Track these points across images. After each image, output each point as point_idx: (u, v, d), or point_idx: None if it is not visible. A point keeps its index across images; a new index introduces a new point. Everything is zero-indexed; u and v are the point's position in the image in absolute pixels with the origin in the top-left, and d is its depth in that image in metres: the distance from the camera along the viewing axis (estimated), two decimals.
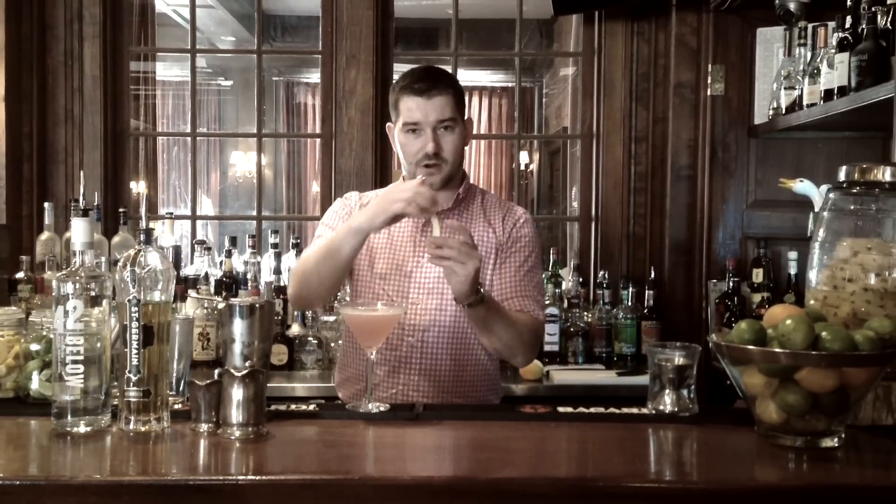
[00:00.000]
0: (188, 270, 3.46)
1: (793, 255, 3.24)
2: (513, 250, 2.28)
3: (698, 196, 3.51)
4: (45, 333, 1.82)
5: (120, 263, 1.61)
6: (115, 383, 1.65)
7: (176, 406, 1.73)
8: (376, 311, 1.96)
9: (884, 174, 1.68)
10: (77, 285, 1.59)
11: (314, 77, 7.55)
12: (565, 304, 3.47)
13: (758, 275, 3.30)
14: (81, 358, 1.59)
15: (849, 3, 2.61)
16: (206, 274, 3.40)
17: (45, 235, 3.31)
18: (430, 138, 2.21)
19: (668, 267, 3.56)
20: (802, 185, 2.86)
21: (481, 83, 8.27)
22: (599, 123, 3.67)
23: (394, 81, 2.35)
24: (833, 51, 2.66)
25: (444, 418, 1.77)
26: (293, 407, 1.82)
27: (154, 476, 1.41)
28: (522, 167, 7.53)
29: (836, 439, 1.53)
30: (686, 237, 3.55)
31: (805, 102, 2.87)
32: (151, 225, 1.74)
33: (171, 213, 3.76)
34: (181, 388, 1.79)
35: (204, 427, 1.61)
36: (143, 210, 1.76)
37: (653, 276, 3.50)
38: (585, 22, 3.72)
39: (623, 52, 3.61)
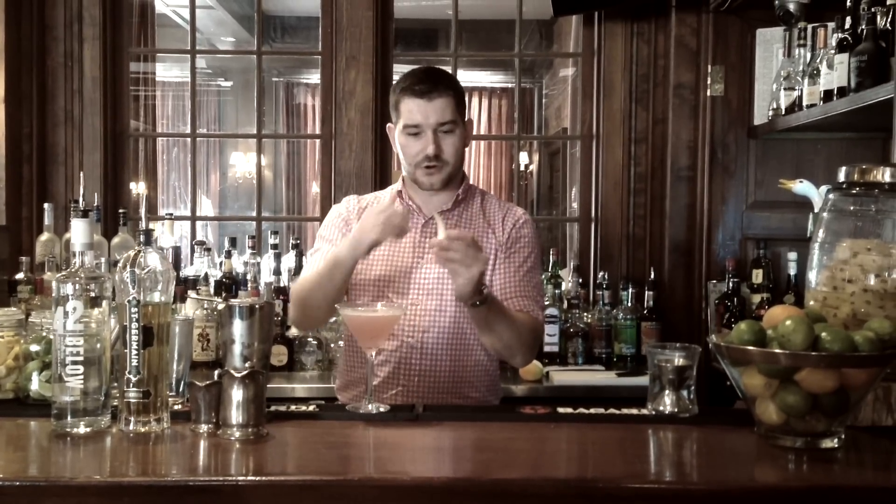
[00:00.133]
0: (188, 271, 3.46)
1: (792, 255, 3.24)
2: (512, 251, 2.28)
3: (698, 197, 3.51)
4: (44, 334, 1.82)
5: (120, 264, 1.61)
6: (115, 384, 1.65)
7: (176, 407, 1.73)
8: (376, 312, 1.96)
9: (883, 175, 1.68)
10: (77, 286, 1.59)
11: (314, 78, 7.55)
12: (565, 305, 3.47)
13: (757, 275, 3.30)
14: (81, 359, 1.59)
15: (848, 3, 2.61)
16: (206, 275, 3.40)
17: (44, 236, 3.31)
18: (430, 140, 2.21)
19: (667, 268, 3.56)
20: (802, 186, 2.86)
21: (481, 84, 8.27)
22: (599, 124, 3.67)
23: (394, 82, 2.35)
24: (833, 51, 2.66)
25: (443, 419, 1.77)
26: (293, 408, 1.82)
27: (154, 477, 1.41)
28: (522, 168, 7.54)
29: (835, 440, 1.53)
30: (686, 238, 3.55)
31: (805, 103, 2.87)
32: (151, 226, 1.74)
33: (171, 214, 3.76)
34: (181, 389, 1.79)
35: (204, 428, 1.61)
36: (142, 211, 1.76)
37: (652, 276, 3.50)
38: (585, 23, 3.72)
39: (623, 53, 3.61)
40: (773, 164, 3.42)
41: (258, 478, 1.41)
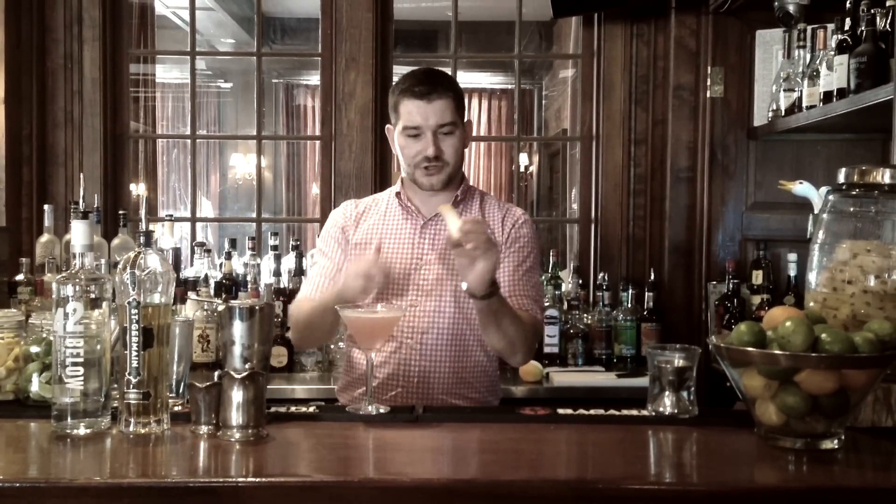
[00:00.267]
0: (188, 272, 3.46)
1: (792, 256, 3.24)
2: (511, 250, 2.28)
3: (698, 198, 3.52)
4: (44, 336, 1.82)
5: (120, 266, 1.62)
6: (115, 385, 1.65)
7: (176, 408, 1.74)
8: (376, 313, 1.96)
9: (883, 176, 1.69)
10: (77, 287, 1.59)
11: (314, 79, 7.55)
12: (565, 306, 3.47)
13: (757, 277, 3.30)
14: (81, 360, 1.59)
15: (848, 5, 2.61)
16: (206, 276, 3.40)
17: (44, 238, 3.31)
18: (430, 142, 2.22)
19: (667, 269, 3.56)
20: (802, 187, 2.86)
21: (481, 85, 8.28)
22: (599, 125, 3.67)
23: (393, 84, 2.35)
24: (832, 53, 2.66)
25: (443, 420, 1.77)
26: (293, 409, 1.82)
27: (154, 478, 1.41)
28: (522, 169, 7.54)
29: (835, 441, 1.53)
30: (686, 239, 3.55)
31: (804, 104, 2.88)
32: (151, 227, 1.74)
33: (171, 216, 3.76)
34: (181, 391, 1.79)
35: (204, 429, 1.61)
36: (142, 212, 1.76)
37: (652, 277, 3.50)
38: (585, 24, 3.72)
39: (622, 55, 3.61)
40: (773, 165, 3.42)
41: (258, 479, 1.41)
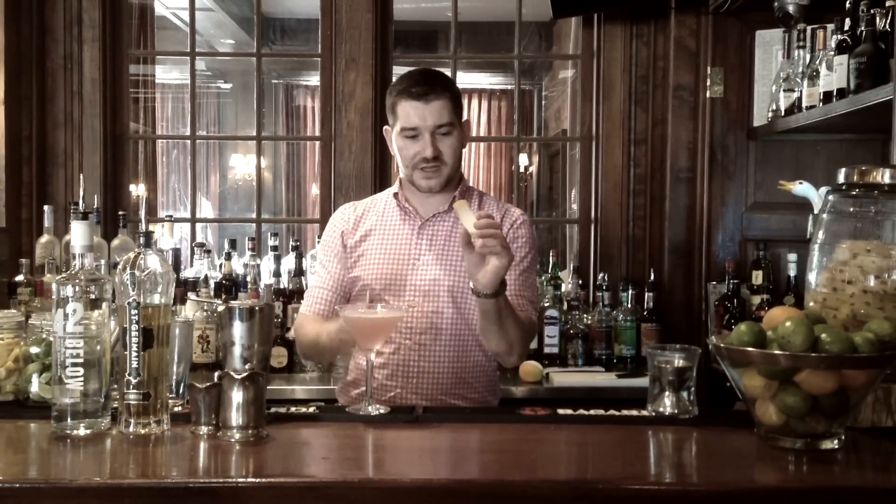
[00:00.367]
0: (188, 273, 3.46)
1: (792, 257, 3.24)
2: None
3: (698, 198, 3.52)
4: (44, 336, 1.82)
5: (120, 266, 1.62)
6: (115, 386, 1.65)
7: (176, 409, 1.74)
8: (376, 314, 1.96)
9: (883, 176, 1.69)
10: (77, 288, 1.59)
11: (313, 80, 7.55)
12: (565, 307, 3.47)
13: (757, 277, 3.30)
14: (81, 361, 1.59)
15: (847, 5, 2.61)
16: (206, 276, 3.40)
17: (44, 238, 3.31)
18: (428, 143, 2.21)
19: (667, 269, 3.56)
20: (802, 188, 2.86)
21: (480, 85, 8.28)
22: (599, 126, 3.67)
23: (391, 85, 2.35)
24: (832, 53, 2.66)
25: (443, 420, 1.77)
26: (293, 409, 1.82)
27: (154, 479, 1.41)
28: (522, 169, 7.54)
29: (835, 441, 1.53)
30: (685, 239, 3.55)
31: (804, 105, 2.88)
32: (151, 228, 1.74)
33: (171, 216, 3.75)
34: (181, 391, 1.80)
35: (204, 430, 1.61)
36: (142, 213, 1.76)
37: (652, 278, 3.50)
38: (584, 24, 3.72)
39: (622, 55, 3.61)
40: (773, 165, 3.42)
41: (258, 480, 1.41)
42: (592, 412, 1.82)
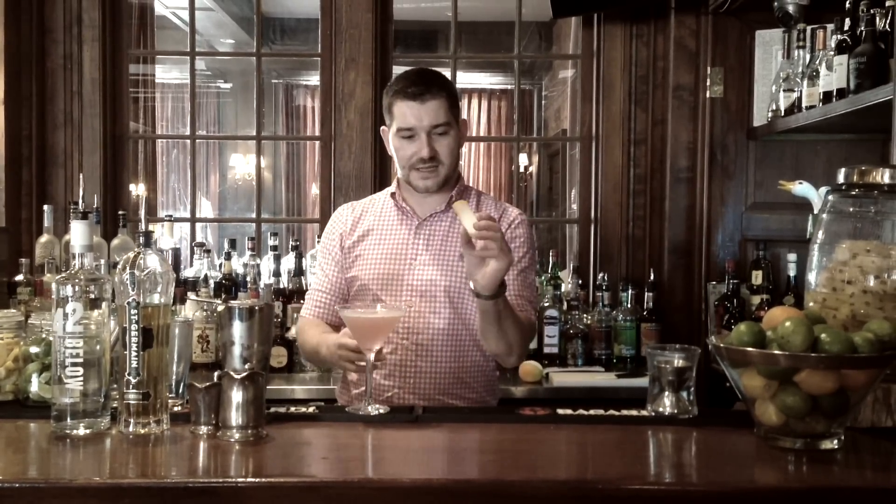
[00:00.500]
0: (187, 273, 3.46)
1: (792, 257, 3.24)
2: None
3: (697, 198, 3.52)
4: (44, 336, 1.82)
5: (119, 266, 1.62)
6: (115, 386, 1.65)
7: (175, 408, 1.74)
8: (376, 314, 1.97)
9: (882, 176, 1.69)
10: (76, 288, 1.59)
11: (313, 80, 7.55)
12: (565, 307, 3.47)
13: (757, 277, 3.30)
14: (81, 360, 1.59)
15: (847, 5, 2.61)
16: (206, 276, 3.40)
17: (44, 238, 3.31)
18: (424, 143, 2.21)
19: (667, 269, 3.56)
20: (801, 188, 2.85)
21: (480, 85, 8.28)
22: (598, 126, 3.67)
23: (387, 85, 2.35)
24: (832, 53, 2.66)
25: (443, 420, 1.77)
26: (293, 409, 1.82)
27: (153, 478, 1.41)
28: (522, 169, 7.54)
29: (835, 441, 1.53)
30: (685, 239, 3.55)
31: (804, 105, 2.88)
32: (151, 227, 1.74)
33: (171, 216, 3.76)
34: (181, 391, 1.80)
35: (203, 429, 1.61)
36: (142, 213, 1.76)
37: (652, 278, 3.50)
38: (584, 24, 3.72)
39: (622, 55, 3.61)
40: (773, 165, 3.42)
41: (257, 479, 1.41)
42: (592, 412, 1.82)
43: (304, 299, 2.47)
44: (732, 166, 3.46)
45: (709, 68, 3.44)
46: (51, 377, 1.66)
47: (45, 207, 3.33)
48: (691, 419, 1.74)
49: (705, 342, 1.77)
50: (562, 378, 3.21)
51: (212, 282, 3.38)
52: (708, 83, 3.44)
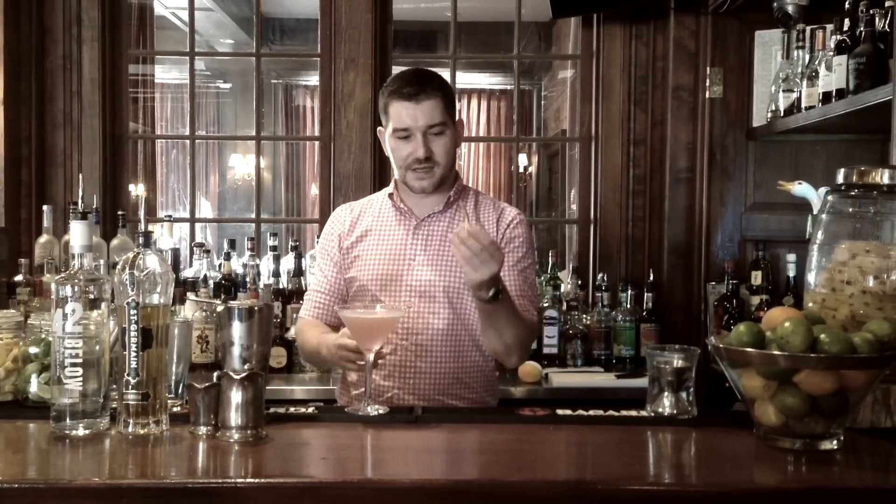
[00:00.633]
0: (187, 273, 3.46)
1: (791, 257, 3.24)
2: (507, 251, 2.27)
3: (697, 199, 3.52)
4: (43, 336, 1.82)
5: (119, 266, 1.62)
6: (114, 386, 1.64)
7: (175, 409, 1.73)
8: (375, 314, 1.97)
9: (882, 177, 1.69)
10: (76, 288, 1.59)
11: (313, 80, 7.55)
12: (564, 307, 3.47)
13: (756, 277, 3.30)
14: (80, 361, 1.59)
15: (847, 5, 2.61)
16: (205, 277, 3.40)
17: (43, 238, 3.31)
18: (420, 143, 2.21)
19: (666, 269, 3.56)
20: (801, 188, 2.85)
21: (480, 86, 8.28)
22: (598, 126, 3.67)
23: (383, 86, 2.35)
24: (831, 53, 2.66)
25: (442, 421, 1.77)
26: (292, 410, 1.82)
27: (153, 479, 1.41)
28: (521, 170, 7.54)
29: (834, 442, 1.53)
30: (685, 240, 3.55)
31: (803, 105, 2.88)
32: (150, 228, 1.74)
33: (170, 216, 3.75)
34: (180, 391, 1.79)
35: (203, 430, 1.61)
36: (141, 213, 1.76)
37: (651, 278, 3.50)
38: (584, 25, 3.72)
39: (621, 55, 3.61)
40: (772, 165, 3.42)
41: (257, 480, 1.41)
42: (591, 413, 1.82)
43: (303, 300, 2.47)
44: (732, 167, 3.46)
45: (708, 69, 3.44)
46: (50, 377, 1.66)
47: (45, 208, 3.33)
48: (691, 420, 1.74)
49: (705, 343, 1.77)
50: (561, 378, 3.21)
51: (211, 282, 3.38)
52: (707, 83, 3.44)
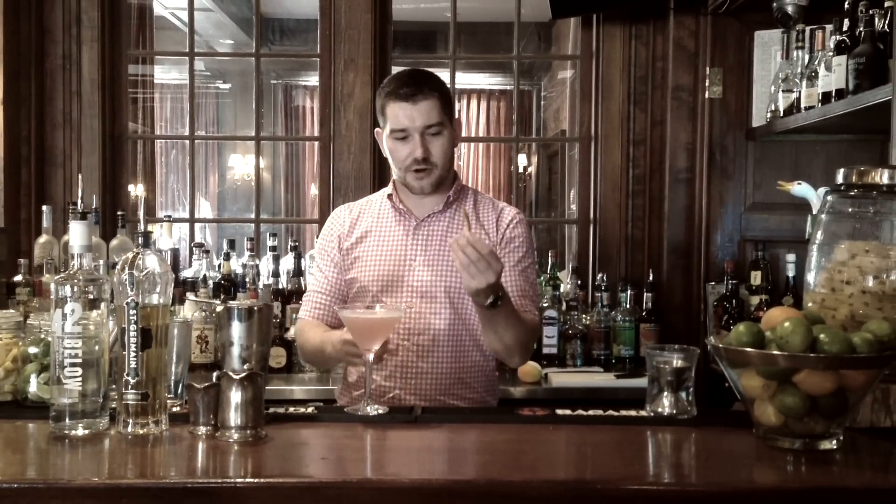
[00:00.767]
0: (186, 273, 3.46)
1: (791, 257, 3.24)
2: (507, 251, 2.28)
3: (696, 199, 3.52)
4: (43, 336, 1.82)
5: (118, 266, 1.61)
6: (114, 386, 1.64)
7: (174, 409, 1.73)
8: (375, 314, 1.96)
9: (881, 177, 1.69)
10: (75, 288, 1.59)
11: (312, 80, 7.56)
12: (564, 307, 3.47)
13: (756, 277, 3.30)
14: (80, 361, 1.59)
15: (846, 6, 2.61)
16: (205, 277, 3.40)
17: (43, 238, 3.31)
18: (418, 144, 2.21)
19: (666, 269, 3.56)
20: (800, 188, 2.85)
21: (479, 86, 8.28)
22: (598, 126, 3.67)
23: (380, 86, 2.34)
24: (831, 54, 2.66)
25: (442, 421, 1.77)
26: (291, 410, 1.82)
27: (152, 479, 1.41)
28: (521, 170, 7.54)
29: (834, 442, 1.53)
30: (684, 240, 3.55)
31: (803, 105, 2.88)
32: (150, 228, 1.74)
33: (170, 216, 3.75)
34: (179, 391, 1.79)
35: (202, 430, 1.61)
36: (141, 213, 1.76)
37: (651, 278, 3.50)
38: (583, 25, 3.73)
39: (621, 55, 3.61)
40: (772, 165, 3.42)
41: (257, 480, 1.41)
42: (591, 412, 1.82)
43: (302, 300, 2.46)
44: (731, 167, 3.46)
45: (708, 69, 3.44)
46: (49, 377, 1.66)
47: (44, 208, 3.33)
48: (690, 419, 1.74)
49: (704, 342, 1.77)
50: (561, 378, 3.21)
51: (211, 282, 3.38)
52: (707, 84, 3.44)
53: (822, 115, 2.71)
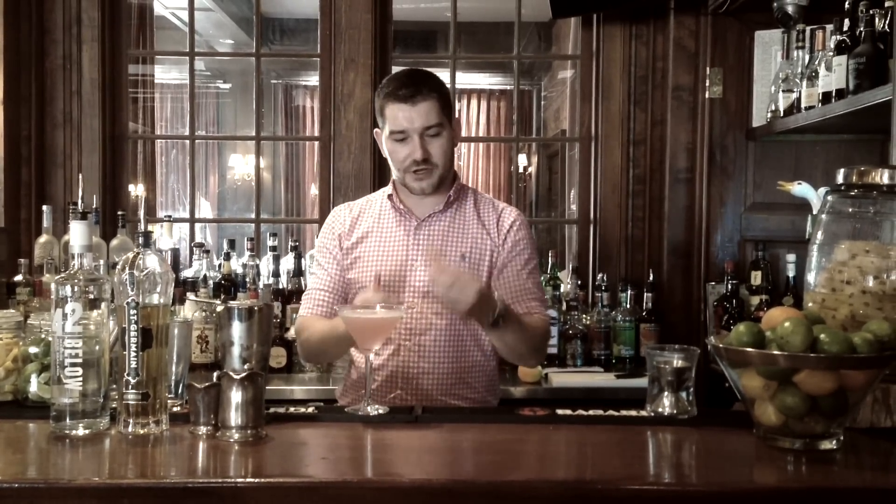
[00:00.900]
0: (187, 273, 3.46)
1: (791, 257, 3.24)
2: (513, 254, 2.28)
3: (696, 199, 3.52)
4: (43, 336, 1.82)
5: (118, 266, 1.62)
6: (114, 386, 1.64)
7: (175, 409, 1.73)
8: (375, 314, 1.96)
9: (882, 177, 1.69)
10: (76, 288, 1.59)
11: (312, 80, 7.56)
12: (564, 307, 3.47)
13: (756, 277, 3.30)
14: (80, 361, 1.59)
15: (846, 6, 2.61)
16: (205, 277, 3.40)
17: (43, 238, 3.31)
18: (417, 145, 2.21)
19: (666, 269, 3.56)
20: (801, 188, 2.85)
21: (480, 86, 8.28)
22: (598, 126, 3.67)
23: (379, 87, 2.34)
24: (831, 53, 2.66)
25: (442, 421, 1.77)
26: (292, 409, 1.82)
27: (153, 479, 1.41)
28: (521, 170, 7.54)
29: (834, 441, 1.53)
30: (684, 240, 3.55)
31: (803, 105, 2.88)
32: (150, 228, 1.74)
33: (170, 216, 3.75)
34: (180, 391, 1.80)
35: (202, 430, 1.61)
36: (141, 213, 1.76)
37: (651, 278, 3.50)
38: (584, 25, 3.72)
39: (621, 55, 3.61)
40: (772, 165, 3.42)
41: (257, 480, 1.41)
42: (591, 412, 1.82)
43: (302, 298, 2.45)
44: (731, 167, 3.46)
45: (708, 69, 3.44)
46: (50, 377, 1.66)
47: (45, 208, 3.33)
48: (690, 419, 1.74)
49: (704, 342, 1.77)
50: (561, 378, 3.21)
51: (211, 282, 3.38)
52: (707, 84, 3.44)
53: (823, 115, 2.71)
